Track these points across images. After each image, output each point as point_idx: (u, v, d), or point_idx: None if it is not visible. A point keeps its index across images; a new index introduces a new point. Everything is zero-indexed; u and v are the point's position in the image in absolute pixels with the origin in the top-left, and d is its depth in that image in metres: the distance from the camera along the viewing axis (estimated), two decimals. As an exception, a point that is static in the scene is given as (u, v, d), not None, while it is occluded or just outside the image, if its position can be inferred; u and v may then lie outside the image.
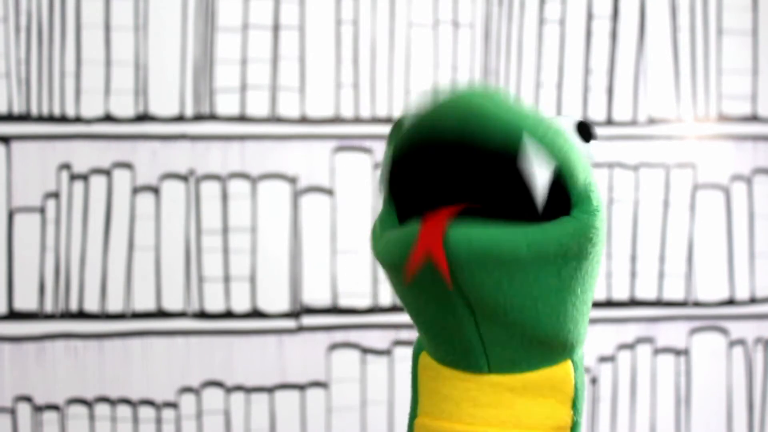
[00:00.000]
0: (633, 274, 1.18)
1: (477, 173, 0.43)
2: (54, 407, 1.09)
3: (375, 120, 1.13)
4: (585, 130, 0.50)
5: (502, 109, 0.42)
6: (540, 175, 0.43)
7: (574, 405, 0.49)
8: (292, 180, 1.12)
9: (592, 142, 0.50)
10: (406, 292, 0.48)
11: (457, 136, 0.42)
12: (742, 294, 1.21)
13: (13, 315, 1.09)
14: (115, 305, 1.10)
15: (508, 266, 0.43)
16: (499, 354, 0.47)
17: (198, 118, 1.11)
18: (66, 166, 1.09)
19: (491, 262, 0.43)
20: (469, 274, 0.43)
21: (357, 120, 1.13)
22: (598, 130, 1.18)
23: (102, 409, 1.10)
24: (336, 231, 1.13)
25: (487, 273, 0.43)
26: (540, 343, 0.47)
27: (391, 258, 0.45)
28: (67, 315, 1.09)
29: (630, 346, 1.19)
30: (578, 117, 0.51)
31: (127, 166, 1.10)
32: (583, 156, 0.47)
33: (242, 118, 1.12)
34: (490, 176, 0.43)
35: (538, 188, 0.43)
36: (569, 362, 0.49)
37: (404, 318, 1.14)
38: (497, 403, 0.47)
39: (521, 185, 0.43)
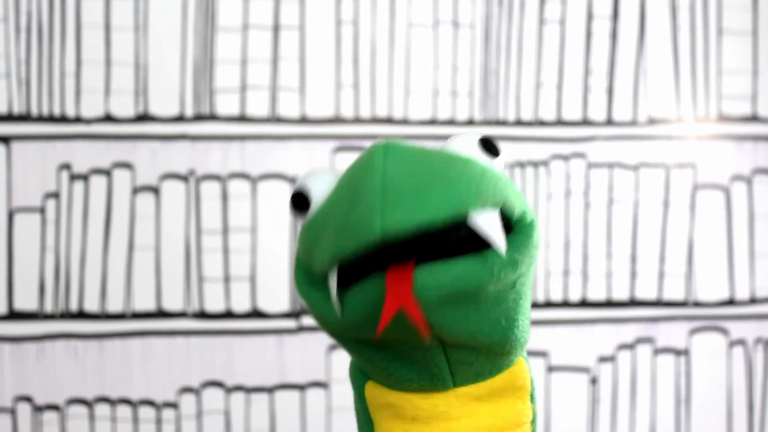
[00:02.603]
0: (633, 274, 1.18)
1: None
2: (54, 407, 1.09)
3: (375, 120, 1.13)
4: (490, 146, 0.49)
5: (441, 203, 0.42)
6: (494, 231, 0.43)
7: (531, 397, 0.50)
8: (292, 180, 1.12)
9: (500, 156, 0.49)
10: (365, 344, 0.48)
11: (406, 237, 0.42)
12: (742, 294, 1.21)
13: (13, 315, 1.09)
14: (115, 305, 1.10)
15: (474, 296, 0.44)
16: (465, 371, 0.47)
17: (198, 118, 1.11)
18: (66, 166, 1.09)
19: (460, 297, 0.43)
20: (440, 314, 0.43)
21: (357, 120, 1.13)
22: (599, 131, 1.18)
23: (102, 409, 1.10)
24: (336, 231, 1.13)
25: (457, 308, 0.44)
26: (504, 353, 0.48)
27: (356, 317, 0.45)
28: (67, 315, 1.09)
29: (630, 346, 1.19)
30: (480, 133, 0.50)
31: (127, 166, 1.10)
32: (502, 177, 0.47)
33: (242, 118, 1.12)
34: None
35: (497, 242, 0.43)
36: (522, 359, 0.50)
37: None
38: (467, 413, 0.47)
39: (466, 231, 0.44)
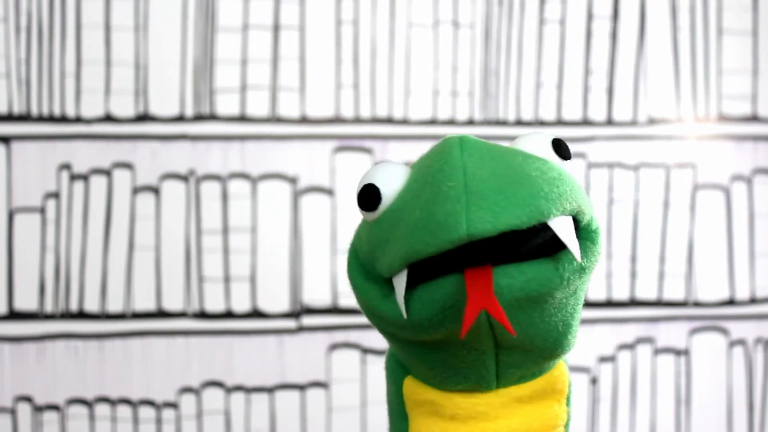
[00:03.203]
0: (633, 274, 1.18)
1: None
2: (54, 407, 1.09)
3: (375, 120, 1.13)
4: (562, 148, 0.48)
5: (524, 202, 0.42)
6: (570, 236, 0.43)
7: (568, 400, 0.50)
8: (292, 180, 1.12)
9: (570, 160, 0.48)
10: (417, 343, 0.47)
11: (489, 234, 0.41)
12: (742, 294, 1.21)
13: (13, 315, 1.09)
14: (115, 305, 1.10)
15: (543, 301, 0.44)
16: (512, 374, 0.47)
17: (198, 118, 1.11)
18: (66, 166, 1.09)
19: (530, 301, 0.43)
20: (509, 317, 0.43)
21: (357, 120, 1.13)
22: (599, 131, 1.18)
23: (102, 409, 1.10)
24: (336, 231, 1.13)
25: (524, 311, 0.43)
26: (554, 357, 0.48)
27: (422, 317, 0.44)
28: (67, 315, 1.09)
29: (630, 346, 1.19)
30: (551, 135, 0.49)
31: (127, 166, 1.10)
32: (575, 181, 0.46)
33: (242, 118, 1.12)
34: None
35: (575, 249, 0.43)
36: (562, 362, 0.50)
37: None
38: (507, 414, 0.47)
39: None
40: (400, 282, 0.43)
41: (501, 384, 0.47)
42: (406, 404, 0.50)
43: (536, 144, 0.47)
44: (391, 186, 0.46)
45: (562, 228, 0.42)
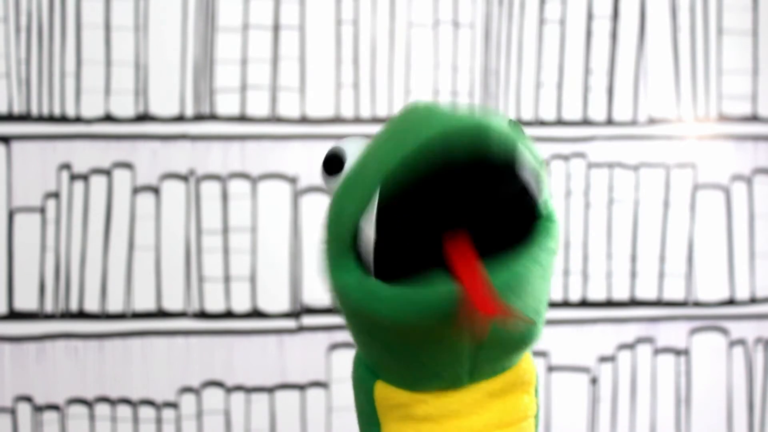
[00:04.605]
0: (633, 274, 1.18)
1: (459, 198, 0.43)
2: (54, 407, 1.09)
3: (375, 120, 1.13)
4: (518, 128, 0.49)
5: (496, 123, 0.43)
6: (532, 178, 0.44)
7: (536, 391, 0.51)
8: (292, 180, 1.12)
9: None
10: (400, 343, 0.46)
11: (470, 152, 0.42)
12: (742, 294, 1.21)
13: (13, 315, 1.09)
14: (115, 305, 1.10)
15: (523, 292, 0.44)
16: (485, 368, 0.47)
17: (198, 118, 1.11)
18: (66, 166, 1.09)
19: (513, 297, 0.43)
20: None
21: (357, 120, 1.13)
22: (599, 130, 1.18)
23: (102, 409, 1.10)
24: (336, 231, 1.13)
25: (517, 299, 0.44)
26: (526, 347, 0.48)
27: (419, 320, 0.43)
28: (67, 315, 1.09)
29: (630, 346, 1.19)
30: (507, 115, 0.51)
31: (127, 166, 1.10)
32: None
33: (242, 118, 1.12)
34: (471, 200, 0.43)
35: (535, 189, 0.44)
36: (528, 354, 0.50)
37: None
38: (479, 410, 0.47)
39: (498, 207, 0.43)
40: (369, 225, 0.43)
41: (473, 380, 0.47)
42: (378, 410, 0.50)
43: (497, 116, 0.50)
44: (354, 152, 0.47)
45: (530, 171, 0.43)
